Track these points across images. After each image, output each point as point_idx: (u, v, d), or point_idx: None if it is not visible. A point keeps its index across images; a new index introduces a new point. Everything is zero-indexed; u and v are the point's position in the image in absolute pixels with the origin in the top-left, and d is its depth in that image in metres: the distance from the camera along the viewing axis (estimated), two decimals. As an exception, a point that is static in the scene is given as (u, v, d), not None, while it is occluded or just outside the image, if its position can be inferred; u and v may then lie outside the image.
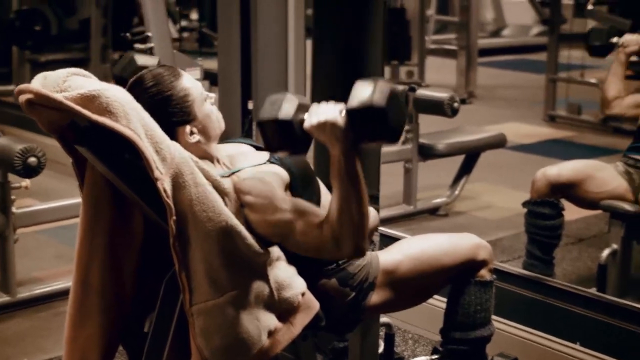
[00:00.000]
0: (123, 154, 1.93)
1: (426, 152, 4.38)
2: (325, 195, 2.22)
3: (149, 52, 3.43)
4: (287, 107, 1.94)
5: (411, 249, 2.37)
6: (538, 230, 3.31)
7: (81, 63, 6.24)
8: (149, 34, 3.53)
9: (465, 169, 4.54)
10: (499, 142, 4.56)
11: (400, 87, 4.31)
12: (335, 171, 1.95)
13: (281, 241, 2.05)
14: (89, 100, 1.85)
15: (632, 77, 3.57)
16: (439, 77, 7.82)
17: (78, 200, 3.50)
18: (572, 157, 5.71)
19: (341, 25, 2.80)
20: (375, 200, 3.57)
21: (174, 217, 1.91)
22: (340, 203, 1.95)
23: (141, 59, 2.29)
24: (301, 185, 2.14)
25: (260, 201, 2.01)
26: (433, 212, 4.50)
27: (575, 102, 6.63)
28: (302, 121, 1.94)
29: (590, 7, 6.18)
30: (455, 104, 4.17)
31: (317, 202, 2.18)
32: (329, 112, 1.91)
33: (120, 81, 2.27)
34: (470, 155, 4.53)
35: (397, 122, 1.89)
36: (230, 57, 3.76)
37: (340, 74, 2.94)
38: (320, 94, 3.92)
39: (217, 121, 2.13)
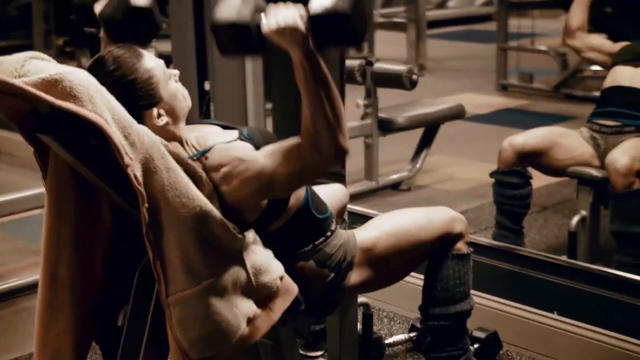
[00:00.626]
0: (89, 140, 1.84)
1: (386, 127, 4.33)
2: None
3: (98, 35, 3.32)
4: (243, 10, 1.84)
5: (387, 226, 2.32)
6: (507, 200, 3.29)
7: (23, 50, 6.06)
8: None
9: (425, 142, 4.51)
10: (458, 113, 4.53)
11: (357, 62, 4.25)
12: (300, 76, 1.87)
13: (269, 192, 1.97)
14: (52, 84, 1.75)
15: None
16: (388, 50, 7.77)
17: (32, 192, 3.38)
18: (527, 125, 5.70)
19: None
20: (341, 179, 3.52)
21: (146, 205, 1.83)
22: (312, 107, 1.87)
23: None
24: None
25: (233, 166, 1.94)
26: (395, 187, 4.46)
27: (527, 70, 6.63)
28: (259, 24, 1.84)
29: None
30: (414, 77, 4.13)
31: None
32: (289, 16, 1.83)
33: (109, 24, 2.15)
34: (430, 128, 4.49)
35: (360, 28, 1.82)
36: (184, 37, 3.67)
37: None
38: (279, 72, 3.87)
39: (183, 100, 2.04)
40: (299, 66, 1.86)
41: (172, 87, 2.01)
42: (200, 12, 3.54)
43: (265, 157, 1.95)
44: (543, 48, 6.85)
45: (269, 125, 3.10)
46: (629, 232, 3.04)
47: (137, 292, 2.02)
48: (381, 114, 4.32)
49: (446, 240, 2.34)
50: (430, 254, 2.35)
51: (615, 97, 3.30)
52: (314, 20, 1.81)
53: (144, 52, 1.99)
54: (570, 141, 3.27)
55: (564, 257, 3.19)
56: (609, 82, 3.36)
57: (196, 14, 3.57)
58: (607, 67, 3.45)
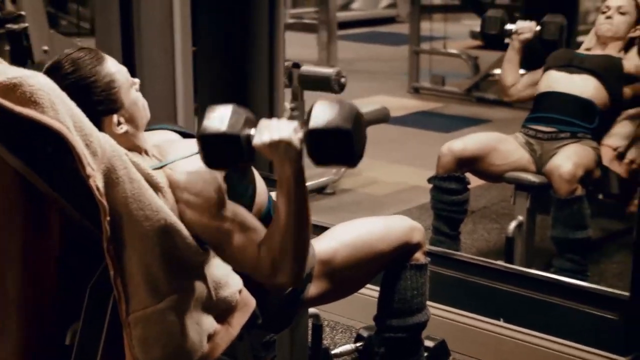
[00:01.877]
0: (45, 148, 1.72)
1: (313, 130, 4.25)
2: (260, 183, 2.07)
3: (23, 33, 3.16)
4: (233, 121, 1.76)
5: (346, 236, 2.26)
6: (445, 206, 3.27)
7: None
8: (23, 12, 3.25)
9: (350, 145, 4.45)
10: (384, 117, 4.48)
11: (285, 63, 4.17)
12: (284, 193, 1.80)
13: (214, 249, 1.90)
14: (10, 89, 1.61)
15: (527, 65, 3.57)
16: (299, 52, 7.70)
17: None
18: (443, 128, 5.80)
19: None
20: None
21: (108, 218, 1.71)
22: (285, 229, 1.81)
23: None
24: (236, 176, 1.98)
25: (199, 201, 1.85)
26: (320, 191, 4.40)
27: (439, 73, 6.68)
28: (249, 137, 1.77)
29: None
30: (343, 80, 4.04)
31: (253, 193, 2.03)
32: (283, 130, 1.75)
33: None
34: (355, 131, 4.43)
35: (360, 146, 1.76)
36: (109, 36, 3.54)
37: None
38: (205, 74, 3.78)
39: (143, 109, 1.94)
40: (285, 183, 1.78)
41: (134, 94, 1.91)
42: (127, 10, 3.42)
43: (231, 222, 1.86)
44: (455, 51, 6.91)
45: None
46: (570, 237, 3.07)
47: (88, 310, 1.90)
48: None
49: (404, 250, 2.30)
50: (388, 264, 2.30)
51: (550, 102, 3.32)
52: (313, 135, 1.73)
53: (105, 55, 1.87)
54: (507, 147, 3.28)
55: (500, 262, 3.19)
56: (543, 87, 3.38)
57: (122, 12, 3.44)
58: None
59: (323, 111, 1.73)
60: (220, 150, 1.79)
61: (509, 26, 3.52)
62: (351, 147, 1.74)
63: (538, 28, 3.48)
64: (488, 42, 4.03)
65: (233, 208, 1.89)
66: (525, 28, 3.48)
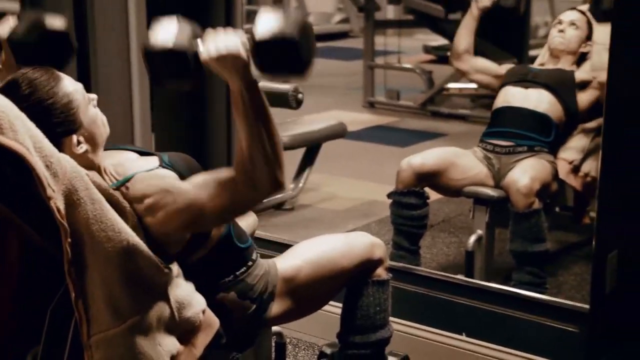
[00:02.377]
0: (3, 169, 1.68)
1: (270, 146, 4.23)
2: None
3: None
4: (180, 35, 1.72)
5: (308, 254, 2.26)
6: (405, 221, 3.28)
7: None
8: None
9: (308, 161, 4.45)
10: (340, 132, 4.50)
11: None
12: (239, 106, 1.75)
13: (198, 225, 1.87)
14: (-32, 110, 1.58)
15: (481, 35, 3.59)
16: (253, 67, 7.69)
17: None
18: (399, 142, 5.82)
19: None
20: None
21: (69, 240, 1.69)
22: (249, 140, 1.76)
23: (51, 21, 1.89)
24: None
25: (158, 197, 1.82)
26: (278, 207, 4.38)
27: (393, 88, 6.71)
28: (196, 51, 1.73)
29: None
30: (300, 95, 4.06)
31: None
32: (230, 42, 1.71)
33: (20, 48, 1.94)
34: (312, 147, 4.44)
35: (308, 55, 1.73)
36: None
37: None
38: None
39: (103, 126, 1.91)
40: (238, 96, 1.75)
41: (92, 112, 1.88)
42: (81, 21, 3.37)
43: (194, 189, 1.83)
44: (409, 66, 6.95)
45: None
46: (529, 251, 3.09)
47: (49, 332, 1.87)
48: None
49: (366, 267, 2.29)
50: (350, 281, 2.30)
51: (507, 117, 3.35)
52: (259, 46, 1.70)
53: (61, 75, 1.84)
54: (465, 161, 3.30)
55: (460, 276, 3.20)
56: (500, 103, 3.41)
57: (76, 22, 3.39)
58: (494, 88, 3.53)
59: (268, 20, 1.70)
60: (167, 67, 1.74)
61: None
62: (298, 55, 1.71)
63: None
64: (449, 8, 3.99)
65: (188, 180, 1.86)
66: None
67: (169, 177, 1.89)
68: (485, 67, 3.55)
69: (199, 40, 1.74)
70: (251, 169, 1.77)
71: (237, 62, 1.71)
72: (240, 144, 1.78)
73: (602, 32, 3.53)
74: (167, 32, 1.73)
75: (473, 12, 3.53)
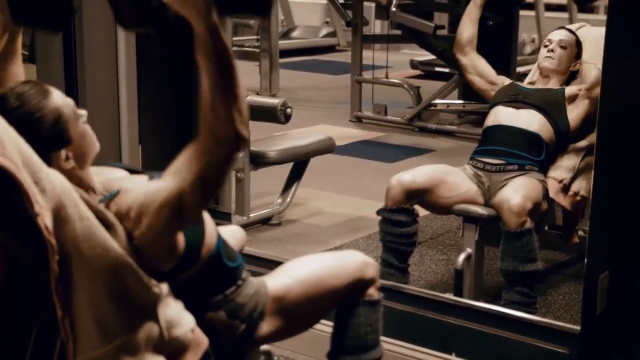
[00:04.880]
0: (-10, 185, 1.64)
1: (258, 161, 4.20)
2: (210, 225, 2.03)
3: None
4: None
5: (299, 272, 2.23)
6: (394, 238, 3.25)
7: None
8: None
9: (296, 176, 4.42)
10: (328, 147, 4.48)
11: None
12: (202, 51, 1.68)
13: (182, 214, 1.79)
14: (-45, 125, 1.55)
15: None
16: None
17: None
18: (385, 157, 5.81)
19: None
20: (227, 217, 3.38)
21: (57, 257, 1.65)
22: (211, 88, 1.69)
23: None
24: None
25: (140, 203, 1.78)
26: (265, 222, 4.34)
27: (381, 102, 6.69)
28: None
29: (393, 9, 6.27)
30: (289, 110, 4.04)
31: (202, 231, 1.99)
32: None
33: (17, 3, 1.90)
34: (300, 162, 4.41)
35: None
36: (50, 64, 3.46)
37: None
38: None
39: (92, 142, 1.88)
40: (201, 40, 1.68)
41: (81, 128, 1.85)
42: (69, 37, 3.35)
43: (167, 178, 1.78)
44: (397, 81, 6.94)
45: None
46: (520, 270, 3.06)
47: (35, 352, 1.82)
48: (253, 147, 4.20)
49: (358, 286, 2.26)
50: (341, 300, 2.27)
51: (498, 136, 3.34)
52: None
53: (51, 89, 1.81)
54: (455, 179, 3.27)
55: (448, 295, 3.17)
56: (491, 122, 3.40)
57: (65, 39, 3.37)
58: (484, 94, 3.52)
59: None
60: (131, 9, 1.70)
61: None
62: None
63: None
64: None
65: (164, 176, 1.81)
66: None
67: (151, 183, 1.84)
68: (484, 70, 3.56)
69: None
70: (212, 119, 1.71)
71: (198, 2, 1.65)
72: (203, 95, 1.71)
73: (592, 51, 3.53)
74: None
75: (476, 1, 3.53)
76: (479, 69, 3.54)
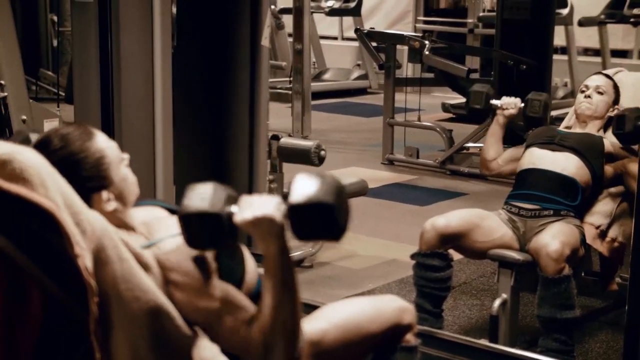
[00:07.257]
0: (30, 224, 1.64)
1: (290, 202, 4.19)
2: (250, 262, 2.02)
3: (2, 101, 3.11)
4: (214, 199, 1.74)
5: (336, 317, 2.20)
6: (428, 283, 3.22)
7: None
8: (2, 82, 3.19)
9: (328, 218, 4.40)
10: (361, 190, 4.46)
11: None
12: (270, 270, 1.78)
13: (204, 329, 1.85)
14: (0, 165, 1.55)
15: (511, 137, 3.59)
16: (272, 122, 7.68)
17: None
18: (417, 200, 5.78)
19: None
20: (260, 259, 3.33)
21: (96, 299, 1.65)
22: (275, 307, 1.78)
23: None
24: (226, 254, 1.93)
25: (188, 281, 1.80)
26: (298, 264, 4.32)
27: (413, 145, 6.68)
28: (231, 214, 1.74)
29: (426, 52, 6.28)
30: (322, 152, 4.04)
31: (243, 272, 1.98)
32: (265, 206, 1.73)
33: None
34: (333, 204, 4.39)
35: (343, 219, 1.74)
36: (88, 104, 3.50)
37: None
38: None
39: (133, 185, 1.89)
40: (271, 260, 1.77)
41: (123, 171, 1.86)
42: (106, 79, 3.38)
43: (221, 301, 1.83)
44: (430, 124, 6.93)
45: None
46: (557, 317, 3.01)
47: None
48: (286, 189, 4.19)
49: (395, 332, 2.24)
50: (378, 346, 2.24)
51: (532, 179, 3.32)
52: (295, 211, 1.70)
53: (95, 131, 1.83)
54: (490, 223, 3.25)
55: (483, 341, 3.13)
56: (525, 164, 3.37)
57: (102, 80, 3.40)
58: None
59: (304, 185, 1.71)
60: (202, 230, 1.75)
61: (494, 101, 3.54)
62: (334, 221, 1.71)
63: (522, 105, 3.51)
64: (472, 116, 4.03)
65: (223, 287, 1.85)
66: (510, 104, 3.50)
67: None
68: (511, 157, 3.53)
69: (234, 206, 1.76)
70: (270, 335, 1.80)
71: (272, 226, 1.72)
72: (265, 307, 1.80)
73: (630, 96, 3.51)
74: (203, 195, 1.75)
75: (499, 121, 3.54)
76: (508, 160, 3.52)
